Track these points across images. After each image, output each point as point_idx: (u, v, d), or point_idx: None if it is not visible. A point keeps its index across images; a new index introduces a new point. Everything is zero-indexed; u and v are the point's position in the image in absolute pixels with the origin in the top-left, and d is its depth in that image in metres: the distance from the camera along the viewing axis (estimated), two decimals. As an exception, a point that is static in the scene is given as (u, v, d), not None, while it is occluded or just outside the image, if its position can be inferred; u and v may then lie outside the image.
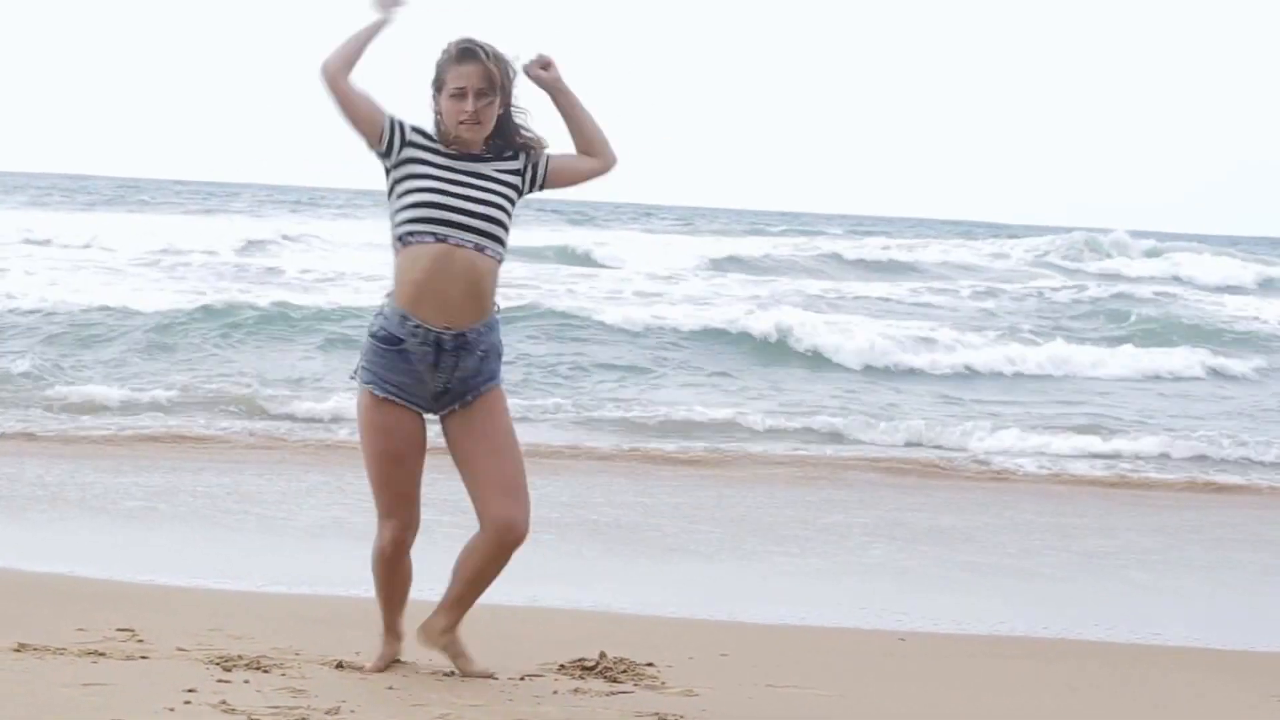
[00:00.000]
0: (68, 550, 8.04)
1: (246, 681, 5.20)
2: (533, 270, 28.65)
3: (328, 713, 4.85)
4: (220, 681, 5.17)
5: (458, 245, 5.24)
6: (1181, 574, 9.16)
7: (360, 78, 5.34)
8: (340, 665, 5.55)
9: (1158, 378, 20.41)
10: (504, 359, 5.47)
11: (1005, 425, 14.90)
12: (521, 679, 5.56)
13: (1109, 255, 41.94)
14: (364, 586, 5.75)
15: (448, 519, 7.93)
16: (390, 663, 5.58)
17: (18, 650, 5.48)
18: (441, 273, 5.23)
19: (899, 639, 7.00)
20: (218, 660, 5.47)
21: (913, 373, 19.39)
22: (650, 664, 5.86)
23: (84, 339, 18.18)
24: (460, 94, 5.30)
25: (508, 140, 5.41)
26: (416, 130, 5.36)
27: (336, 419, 13.44)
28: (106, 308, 19.87)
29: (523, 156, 5.43)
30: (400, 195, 5.32)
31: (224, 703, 4.85)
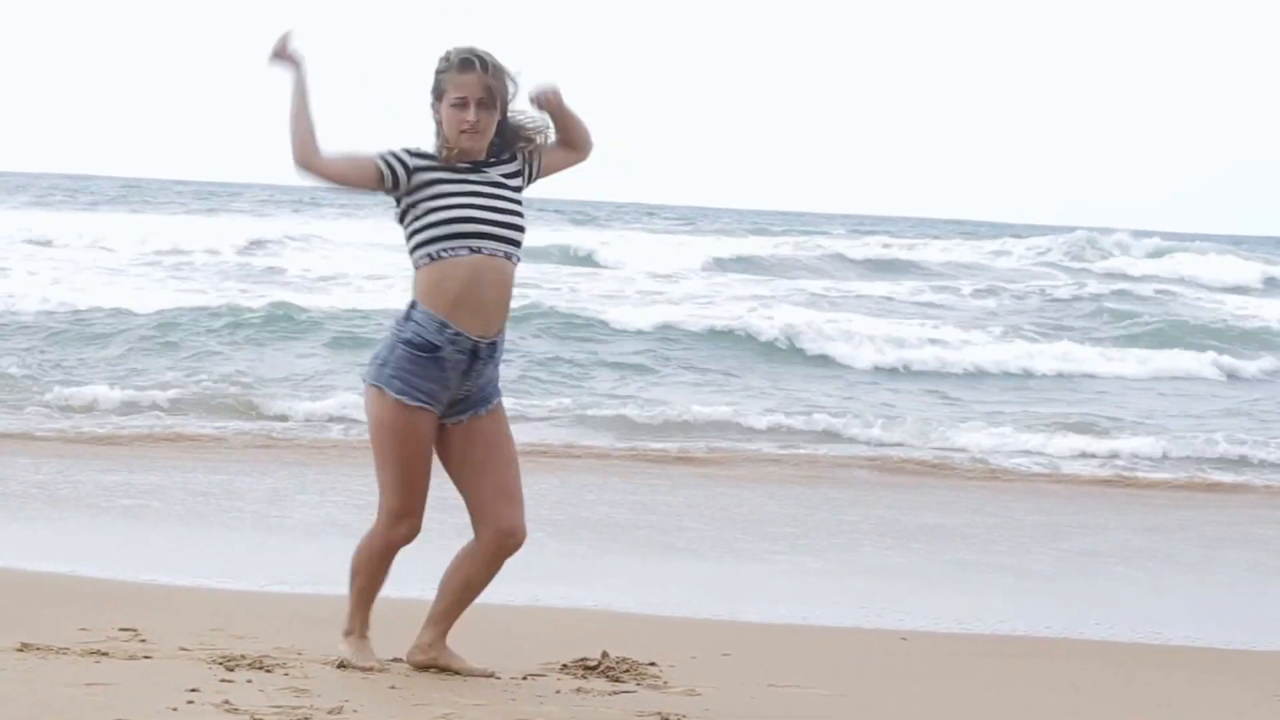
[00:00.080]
0: (69, 550, 8.04)
1: (249, 681, 5.20)
2: (535, 270, 28.64)
3: (330, 712, 4.85)
4: (223, 681, 5.17)
5: (491, 255, 5.35)
6: (1181, 573, 9.17)
7: (326, 135, 5.38)
8: (343, 665, 5.55)
9: (1157, 378, 20.40)
10: (505, 358, 5.63)
11: (1004, 424, 14.91)
12: (524, 678, 5.56)
13: (1111, 254, 41.93)
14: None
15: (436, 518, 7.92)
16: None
17: (20, 650, 5.48)
18: (478, 281, 5.34)
19: (901, 638, 7.00)
20: (220, 660, 5.48)
21: (913, 373, 19.39)
22: (653, 663, 5.86)
23: (85, 338, 18.19)
24: (462, 104, 5.37)
25: (506, 143, 5.48)
26: (413, 154, 5.41)
27: (335, 418, 13.44)
28: (107, 308, 19.88)
29: (520, 157, 5.51)
30: (422, 215, 5.37)
31: (227, 702, 4.86)
